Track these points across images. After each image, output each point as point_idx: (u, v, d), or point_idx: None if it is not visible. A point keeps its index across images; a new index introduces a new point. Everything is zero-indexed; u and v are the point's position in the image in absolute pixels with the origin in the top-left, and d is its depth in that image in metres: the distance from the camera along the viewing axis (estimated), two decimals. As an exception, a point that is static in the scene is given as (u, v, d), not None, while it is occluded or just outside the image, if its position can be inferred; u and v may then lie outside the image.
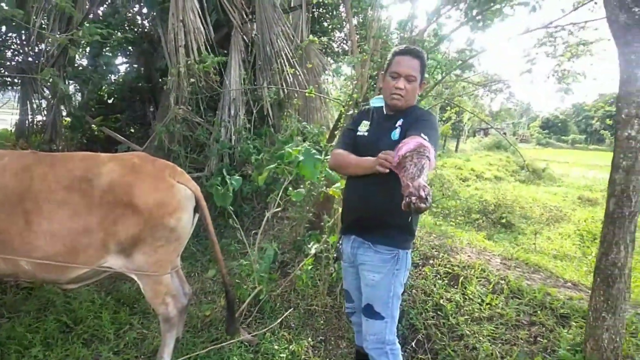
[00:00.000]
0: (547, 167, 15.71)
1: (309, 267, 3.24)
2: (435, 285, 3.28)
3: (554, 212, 8.82)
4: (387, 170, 1.63)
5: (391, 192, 1.81)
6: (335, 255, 2.29)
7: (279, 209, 3.35)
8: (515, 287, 3.18)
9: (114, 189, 2.13)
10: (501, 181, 13.67)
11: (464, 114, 14.58)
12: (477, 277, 3.35)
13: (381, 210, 1.94)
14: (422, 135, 1.66)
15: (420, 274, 3.48)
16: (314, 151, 2.74)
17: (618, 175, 2.13)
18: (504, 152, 21.16)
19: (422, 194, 1.36)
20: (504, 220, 7.78)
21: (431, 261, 3.65)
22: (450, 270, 3.50)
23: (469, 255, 3.86)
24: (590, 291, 2.42)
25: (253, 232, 3.68)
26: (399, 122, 1.94)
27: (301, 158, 2.69)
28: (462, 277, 3.35)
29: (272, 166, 2.98)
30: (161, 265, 2.27)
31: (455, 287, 3.28)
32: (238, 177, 2.84)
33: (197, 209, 2.42)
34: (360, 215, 2.06)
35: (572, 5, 4.27)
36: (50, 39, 4.26)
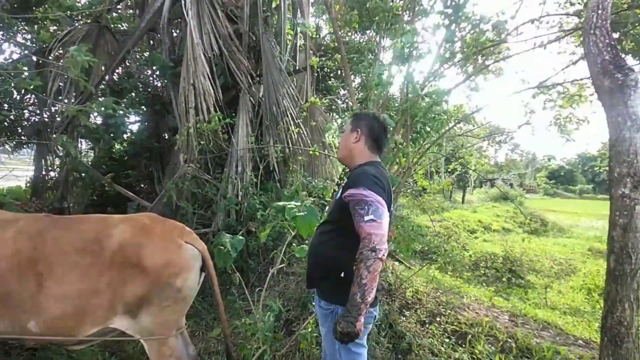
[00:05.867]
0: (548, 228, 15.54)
1: (314, 326, 3.20)
2: (442, 345, 3.22)
3: (563, 265, 8.69)
4: None
5: (329, 245, 2.00)
6: None
7: (283, 264, 3.37)
8: (523, 345, 3.12)
9: (124, 250, 2.19)
10: (509, 233, 13.57)
11: (470, 164, 14.80)
12: (485, 335, 3.29)
13: (320, 263, 2.04)
14: (351, 190, 1.82)
15: (427, 332, 3.42)
16: (315, 209, 2.80)
17: (616, 233, 2.17)
18: (511, 203, 21.22)
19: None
20: (513, 274, 7.66)
21: (438, 318, 3.60)
22: (457, 328, 3.44)
23: (476, 312, 3.81)
24: (600, 350, 2.38)
25: (258, 288, 3.68)
26: (345, 182, 2.01)
27: (301, 213, 2.75)
28: (469, 335, 3.29)
29: (273, 223, 3.04)
30: (167, 327, 2.29)
31: (463, 346, 3.22)
32: (241, 238, 2.89)
33: (203, 267, 2.47)
34: (309, 266, 2.16)
35: (561, 64, 4.50)
36: (64, 106, 4.49)
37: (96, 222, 2.32)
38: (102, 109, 3.82)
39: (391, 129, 3.97)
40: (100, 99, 5.30)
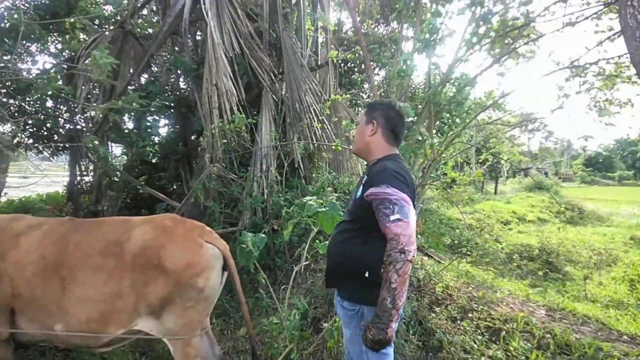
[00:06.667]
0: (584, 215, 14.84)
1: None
2: (475, 342, 3.11)
3: (603, 255, 8.28)
4: None
5: (349, 244, 1.91)
6: None
7: (308, 262, 3.34)
8: (562, 341, 2.97)
9: (145, 252, 2.20)
10: (545, 223, 13.09)
11: (502, 154, 14.35)
12: (520, 332, 3.15)
13: (340, 262, 1.95)
14: (373, 189, 1.73)
15: (458, 329, 3.31)
16: (336, 204, 2.76)
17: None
18: (546, 192, 20.44)
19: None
20: (549, 266, 7.37)
21: (470, 314, 3.49)
22: (491, 324, 3.32)
23: (511, 307, 3.66)
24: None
25: (284, 286, 3.67)
26: (365, 179, 1.90)
27: (322, 209, 2.71)
28: (504, 332, 3.16)
29: (294, 220, 3.01)
30: (191, 327, 2.29)
31: (497, 342, 3.10)
32: (263, 236, 2.87)
33: (225, 267, 2.46)
34: (328, 265, 2.07)
35: (594, 43, 4.24)
36: (94, 109, 4.62)
37: (117, 225, 2.34)
38: (129, 104, 3.89)
39: (414, 118, 3.86)
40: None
